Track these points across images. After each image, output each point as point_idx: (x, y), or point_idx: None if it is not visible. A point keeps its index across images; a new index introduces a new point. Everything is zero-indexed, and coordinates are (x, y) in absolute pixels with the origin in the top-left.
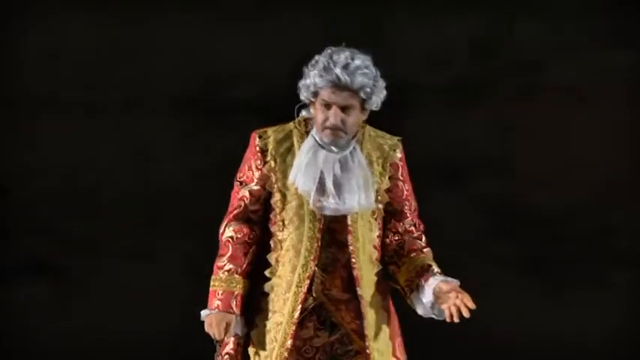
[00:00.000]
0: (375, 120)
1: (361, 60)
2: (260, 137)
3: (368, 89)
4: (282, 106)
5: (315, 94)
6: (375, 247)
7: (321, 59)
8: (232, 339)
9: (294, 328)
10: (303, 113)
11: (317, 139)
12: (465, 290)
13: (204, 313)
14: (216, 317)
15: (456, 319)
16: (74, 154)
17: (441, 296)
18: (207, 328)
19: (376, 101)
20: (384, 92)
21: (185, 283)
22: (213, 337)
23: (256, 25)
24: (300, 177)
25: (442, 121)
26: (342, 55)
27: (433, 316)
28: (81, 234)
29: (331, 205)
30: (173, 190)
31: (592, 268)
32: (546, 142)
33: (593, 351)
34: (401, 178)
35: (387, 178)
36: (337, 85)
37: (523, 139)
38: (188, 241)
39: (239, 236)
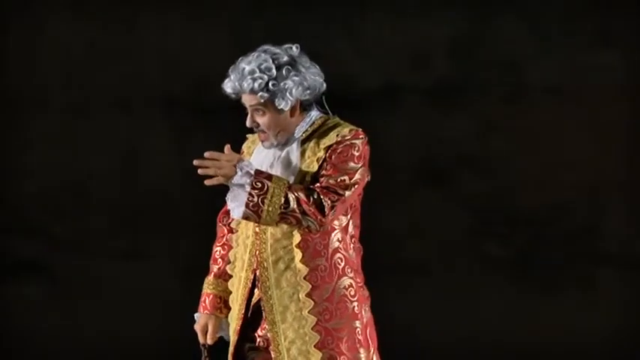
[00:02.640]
0: (359, 119)
1: (256, 63)
2: (246, 139)
3: (263, 92)
4: None
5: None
6: (293, 237)
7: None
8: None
9: (240, 323)
10: None
11: None
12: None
13: (195, 317)
14: (199, 321)
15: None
16: (64, 155)
17: None
18: None
19: (283, 101)
20: (300, 89)
21: (175, 283)
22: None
23: (244, 25)
24: None
25: (427, 122)
26: (244, 61)
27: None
28: (71, 234)
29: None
30: (163, 190)
31: (580, 269)
32: (532, 142)
33: (581, 351)
34: (330, 159)
35: (314, 163)
36: (235, 90)
37: (509, 139)
38: (178, 241)
39: (221, 235)
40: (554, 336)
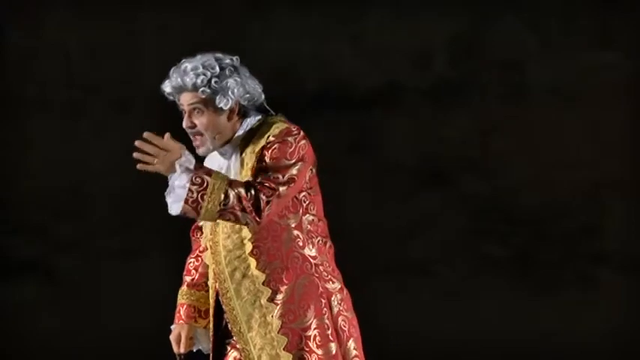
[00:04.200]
0: (359, 119)
1: (198, 62)
2: None
3: (205, 88)
4: (271, 106)
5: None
6: (245, 244)
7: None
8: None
9: (211, 335)
10: None
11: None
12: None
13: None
14: (173, 331)
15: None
16: (64, 155)
17: None
18: None
19: (226, 99)
20: (241, 90)
21: (176, 283)
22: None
23: (243, 25)
24: None
25: (427, 122)
26: (187, 61)
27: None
28: (71, 234)
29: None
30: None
31: (580, 269)
32: (532, 142)
33: (581, 351)
34: (263, 159)
35: (252, 164)
36: (175, 89)
37: (509, 139)
38: (178, 241)
39: (194, 247)
40: (554, 336)
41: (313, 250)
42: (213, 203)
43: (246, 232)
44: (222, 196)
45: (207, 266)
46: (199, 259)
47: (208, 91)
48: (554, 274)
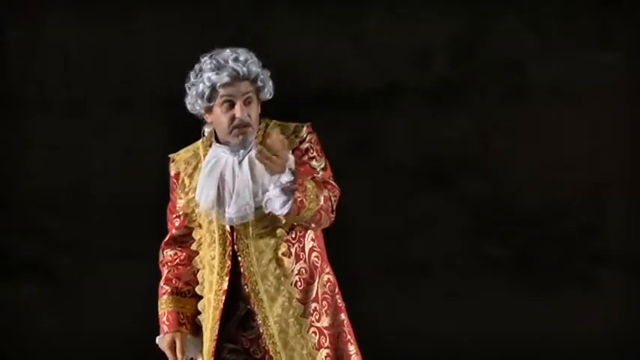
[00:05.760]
0: (359, 119)
1: (245, 52)
2: (173, 161)
3: (262, 76)
4: (270, 106)
5: (211, 98)
6: (280, 251)
7: (204, 63)
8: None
9: (214, 345)
10: (206, 131)
11: (218, 149)
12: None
13: (157, 340)
14: (165, 339)
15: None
16: (64, 155)
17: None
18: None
19: (268, 90)
20: (272, 85)
21: None
22: None
23: (243, 25)
24: (203, 193)
25: (428, 122)
26: (225, 53)
27: (274, 192)
28: (71, 234)
29: (231, 214)
30: (163, 191)
31: (580, 269)
32: (532, 142)
33: (581, 351)
34: (305, 160)
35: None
36: (236, 78)
37: (509, 139)
38: None
39: (174, 259)
40: (554, 336)
41: (322, 247)
42: (311, 204)
43: (280, 233)
44: (316, 197)
45: (193, 275)
46: (179, 268)
47: (261, 84)
48: (554, 274)
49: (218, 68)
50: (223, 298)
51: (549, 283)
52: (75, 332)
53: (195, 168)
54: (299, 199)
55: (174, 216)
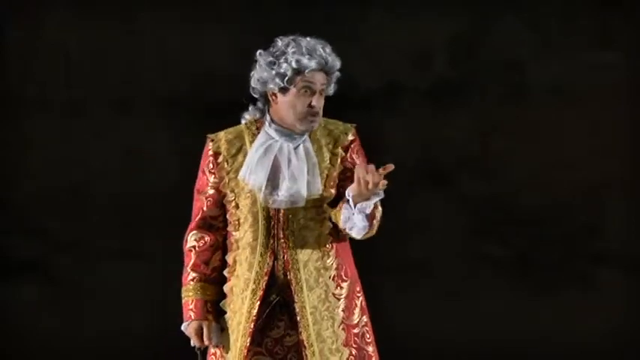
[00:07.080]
0: (359, 119)
1: (327, 45)
2: (212, 141)
3: (337, 73)
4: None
5: (292, 81)
6: (323, 243)
7: (289, 46)
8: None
9: (252, 326)
10: (246, 116)
11: (271, 133)
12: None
13: (182, 327)
14: (192, 326)
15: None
16: (64, 155)
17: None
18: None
19: (333, 88)
20: None
21: (176, 283)
22: (193, 347)
23: (244, 25)
24: (251, 174)
25: (427, 122)
26: (311, 41)
27: (358, 218)
28: (71, 234)
29: (282, 197)
30: (163, 191)
31: (580, 269)
32: (532, 142)
33: (581, 351)
34: (350, 160)
35: (338, 162)
36: (322, 67)
37: (509, 139)
38: (177, 241)
39: (200, 244)
40: (554, 336)
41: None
42: (379, 220)
43: (326, 226)
44: (380, 211)
45: (219, 260)
46: (206, 254)
47: (334, 79)
48: (554, 274)
49: (309, 54)
50: (266, 278)
51: (549, 283)
52: (75, 332)
53: (239, 150)
54: (375, 227)
55: (204, 196)
